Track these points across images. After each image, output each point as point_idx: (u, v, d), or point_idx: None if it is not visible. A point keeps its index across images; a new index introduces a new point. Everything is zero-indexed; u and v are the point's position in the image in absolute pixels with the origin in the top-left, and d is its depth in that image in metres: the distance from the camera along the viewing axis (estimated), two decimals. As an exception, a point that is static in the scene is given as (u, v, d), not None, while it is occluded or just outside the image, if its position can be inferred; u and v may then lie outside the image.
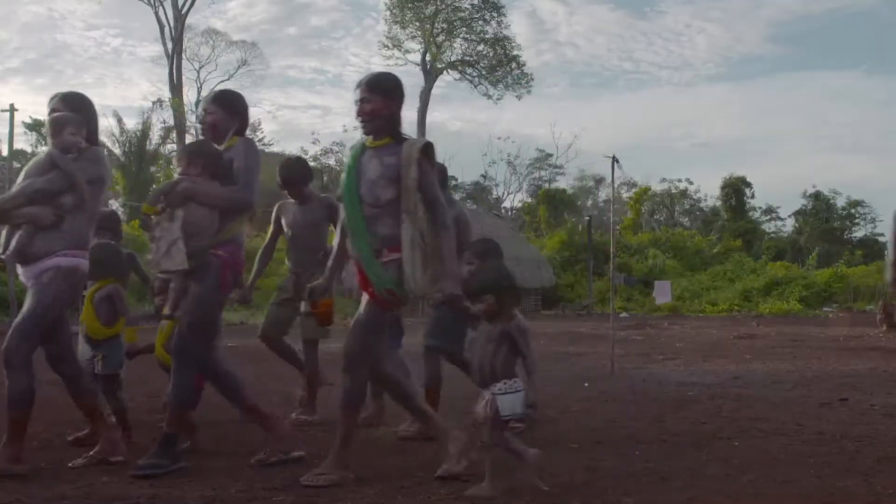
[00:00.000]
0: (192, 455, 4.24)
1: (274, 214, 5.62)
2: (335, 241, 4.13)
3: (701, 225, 41.12)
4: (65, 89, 4.36)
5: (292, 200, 5.54)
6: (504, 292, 3.50)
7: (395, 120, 3.86)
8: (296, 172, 5.55)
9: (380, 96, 3.80)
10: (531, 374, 3.46)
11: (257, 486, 3.62)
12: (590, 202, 50.23)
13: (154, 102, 41.11)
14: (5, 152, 32.56)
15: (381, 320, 3.83)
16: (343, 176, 3.90)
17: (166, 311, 3.97)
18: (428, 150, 3.80)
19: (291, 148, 50.82)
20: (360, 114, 3.82)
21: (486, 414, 3.45)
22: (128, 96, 71.77)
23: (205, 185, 3.95)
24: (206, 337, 4.03)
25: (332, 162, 46.22)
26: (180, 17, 38.36)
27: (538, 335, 15.35)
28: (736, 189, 37.03)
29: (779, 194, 75.59)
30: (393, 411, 5.45)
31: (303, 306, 4.27)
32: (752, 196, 37.94)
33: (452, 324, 4.63)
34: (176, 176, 4.06)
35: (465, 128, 66.23)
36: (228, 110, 4.17)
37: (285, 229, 5.55)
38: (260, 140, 52.83)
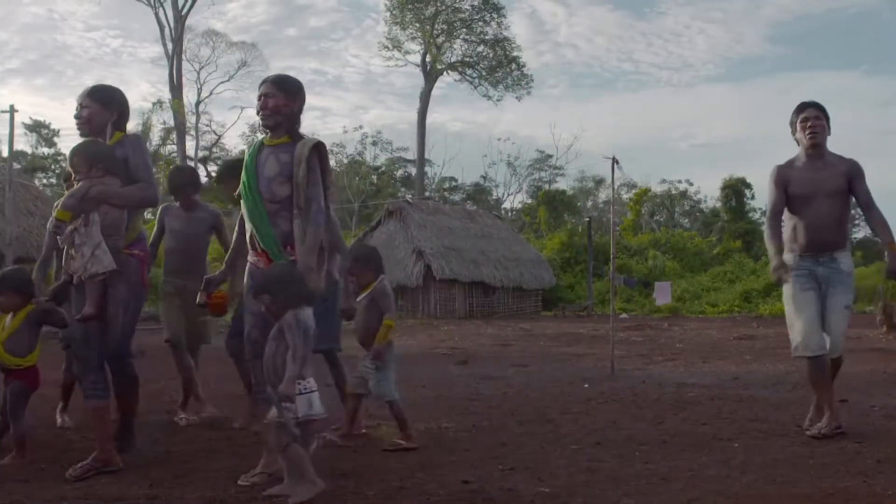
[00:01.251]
0: (190, 456, 4.24)
1: (159, 215, 5.57)
2: (234, 237, 4.23)
3: (701, 226, 41.13)
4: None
5: (178, 205, 5.51)
6: (280, 292, 3.52)
7: (294, 119, 3.97)
8: (183, 179, 5.53)
9: (283, 94, 3.92)
10: (294, 367, 3.42)
11: (256, 487, 3.61)
12: (590, 203, 50.25)
13: (154, 103, 41.16)
14: (5, 153, 32.57)
15: None
16: (242, 174, 3.97)
17: (88, 311, 3.92)
18: (318, 149, 3.91)
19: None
20: (263, 108, 3.93)
21: (274, 415, 3.47)
22: (128, 97, 71.73)
23: (115, 186, 3.94)
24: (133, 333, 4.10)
25: (331, 163, 46.21)
26: (180, 18, 38.34)
27: (538, 336, 15.40)
28: (736, 190, 37.00)
29: (779, 195, 75.41)
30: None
31: (199, 297, 4.34)
32: (753, 197, 37.88)
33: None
34: (76, 180, 3.99)
35: (465, 129, 66.36)
36: (103, 104, 4.14)
37: (168, 234, 5.48)
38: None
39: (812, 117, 4.84)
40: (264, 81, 3.98)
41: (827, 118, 4.88)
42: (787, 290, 4.84)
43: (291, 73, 4.17)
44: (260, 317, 3.89)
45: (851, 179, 4.81)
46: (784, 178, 4.90)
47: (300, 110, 3.99)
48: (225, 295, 4.44)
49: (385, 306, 4.58)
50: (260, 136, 4.17)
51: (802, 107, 4.92)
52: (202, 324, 5.51)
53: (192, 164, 43.98)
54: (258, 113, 3.95)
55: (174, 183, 5.54)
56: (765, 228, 5.03)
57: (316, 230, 3.82)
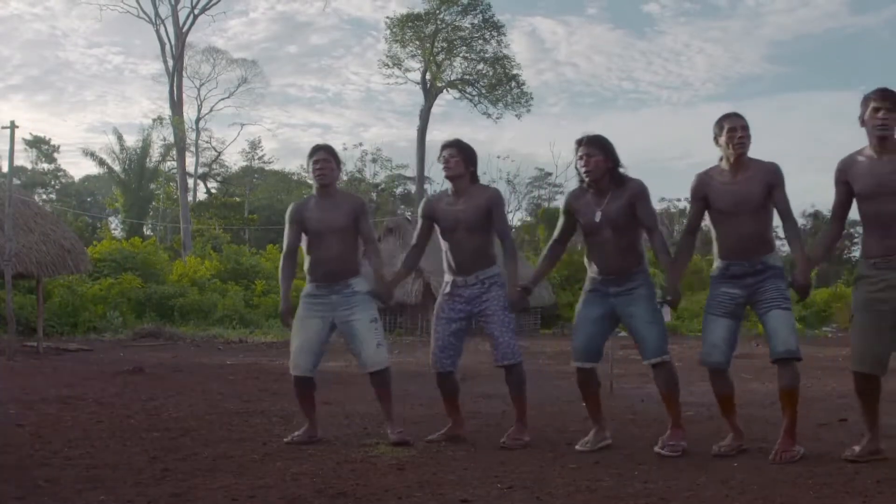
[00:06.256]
0: (188, 474, 4.23)
1: None
2: None
3: (700, 244, 41.12)
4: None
5: None
6: None
7: None
8: None
9: None
10: None
11: (255, 506, 3.61)
12: (589, 221, 50.26)
13: (154, 120, 41.27)
14: (5, 169, 32.58)
15: None
16: None
17: None
18: None
19: (291, 166, 51.01)
20: None
21: None
22: (128, 113, 72.23)
23: None
24: None
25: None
26: (181, 36, 38.47)
27: (537, 354, 15.41)
28: (735, 208, 37.00)
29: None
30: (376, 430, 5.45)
31: None
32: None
33: None
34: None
35: (464, 146, 66.42)
36: None
37: None
38: (260, 158, 53.12)
39: (447, 155, 5.21)
40: None
41: (465, 158, 5.19)
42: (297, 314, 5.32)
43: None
44: None
45: (490, 209, 5.17)
46: (428, 211, 5.36)
47: None
48: None
49: None
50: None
51: (443, 147, 5.31)
52: None
53: (191, 180, 44.03)
54: None
55: None
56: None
57: None
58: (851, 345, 4.53)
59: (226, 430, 5.65)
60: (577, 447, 4.96)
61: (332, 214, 5.22)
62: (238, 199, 46.73)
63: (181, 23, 38.37)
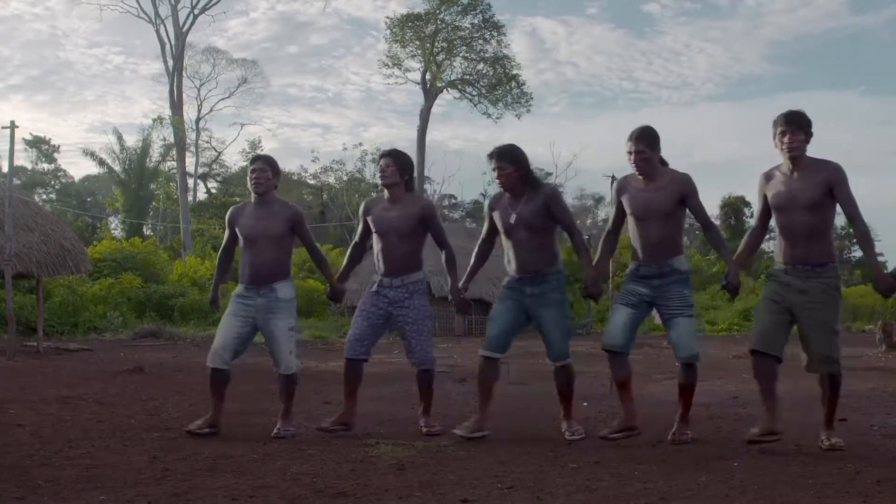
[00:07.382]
0: (189, 473, 4.22)
1: None
2: None
3: (700, 244, 41.17)
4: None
5: None
6: None
7: None
8: None
9: None
10: None
11: (255, 506, 3.61)
12: (589, 221, 50.30)
13: (154, 120, 41.28)
14: (5, 169, 32.58)
15: None
16: None
17: None
18: None
19: (291, 166, 51.07)
20: None
21: None
22: (129, 113, 72.25)
23: None
24: None
25: (331, 180, 46.38)
26: (181, 36, 38.51)
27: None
28: (735, 208, 37.10)
29: (778, 214, 75.67)
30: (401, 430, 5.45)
31: None
32: (752, 215, 37.95)
33: None
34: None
35: (465, 146, 66.58)
36: None
37: None
38: (260, 158, 53.07)
39: (384, 164, 5.45)
40: None
41: (401, 167, 5.43)
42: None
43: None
44: None
45: (424, 220, 5.50)
46: (364, 212, 5.64)
47: None
48: None
49: None
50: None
51: (381, 156, 5.61)
52: None
53: (191, 180, 44.05)
54: None
55: None
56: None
57: None
58: (753, 328, 5.00)
59: (226, 430, 5.64)
60: (454, 430, 5.23)
61: (266, 222, 5.40)
62: (238, 200, 46.75)
63: (181, 23, 38.41)
